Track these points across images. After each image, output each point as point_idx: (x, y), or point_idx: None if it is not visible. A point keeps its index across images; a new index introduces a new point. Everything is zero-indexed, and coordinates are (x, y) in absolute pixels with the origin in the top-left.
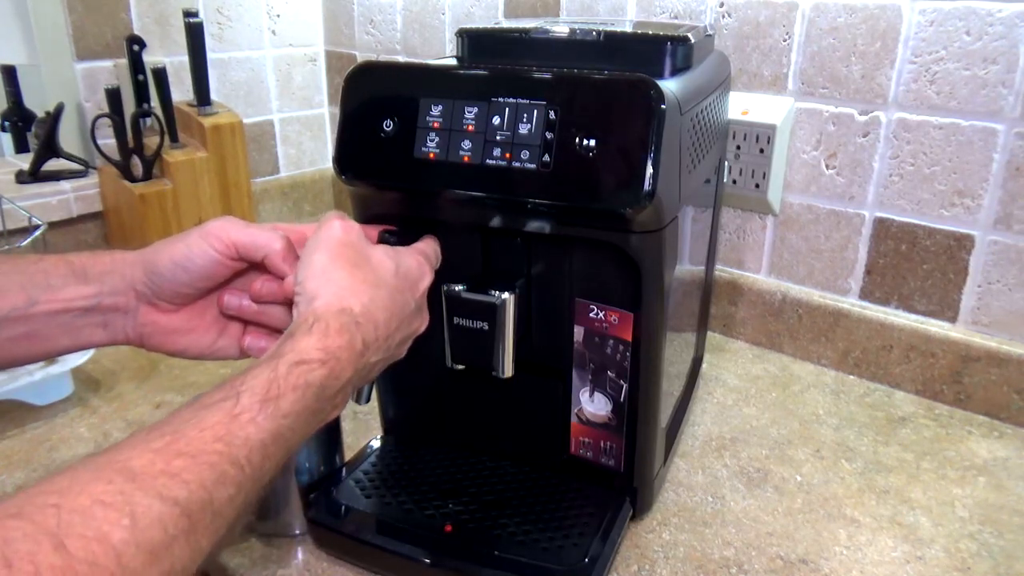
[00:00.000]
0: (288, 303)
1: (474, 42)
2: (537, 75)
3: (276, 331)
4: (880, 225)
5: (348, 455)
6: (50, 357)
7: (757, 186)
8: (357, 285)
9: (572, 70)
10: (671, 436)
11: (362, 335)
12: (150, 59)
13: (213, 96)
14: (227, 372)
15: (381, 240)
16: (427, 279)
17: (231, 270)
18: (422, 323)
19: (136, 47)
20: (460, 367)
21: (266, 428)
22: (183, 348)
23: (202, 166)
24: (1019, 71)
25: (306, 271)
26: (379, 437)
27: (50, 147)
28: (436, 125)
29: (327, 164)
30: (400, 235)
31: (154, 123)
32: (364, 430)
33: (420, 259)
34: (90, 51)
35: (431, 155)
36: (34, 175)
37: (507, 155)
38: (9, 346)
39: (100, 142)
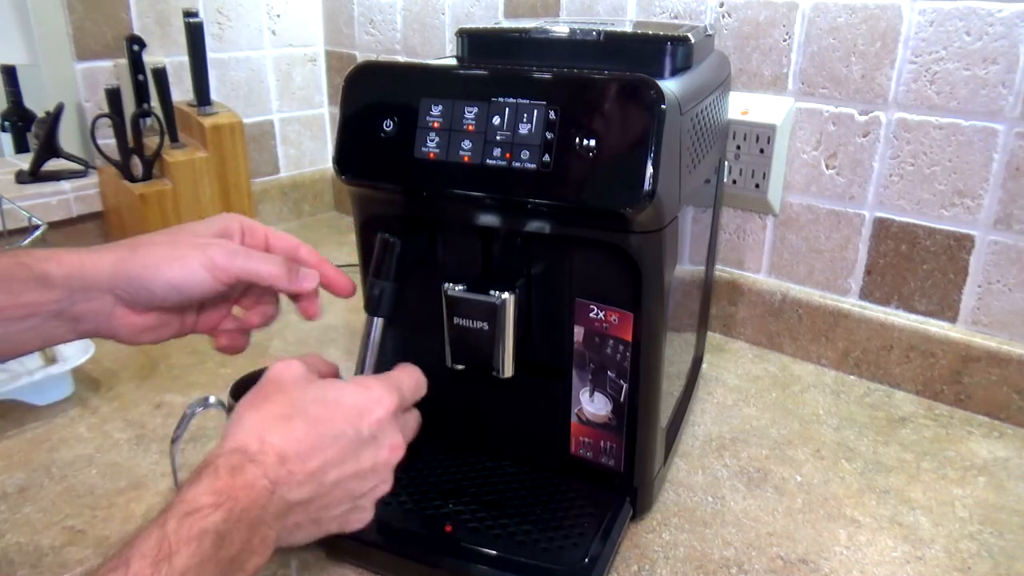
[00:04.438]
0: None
1: (474, 42)
2: (537, 75)
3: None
4: (880, 225)
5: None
6: (19, 356)
7: (757, 186)
8: (263, 420)
9: (572, 70)
10: (671, 436)
11: (265, 471)
12: (150, 59)
13: (213, 96)
14: (227, 372)
15: (381, 241)
16: (381, 407)
17: (224, 292)
18: (385, 454)
19: (136, 47)
20: (460, 367)
21: None
22: (151, 341)
23: (202, 166)
24: (1019, 71)
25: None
26: None
27: (50, 147)
28: (436, 125)
29: (327, 164)
30: (400, 235)
31: (154, 123)
32: None
33: (372, 385)
34: (90, 51)
35: (431, 155)
36: (34, 175)
37: (507, 155)
38: None
39: (100, 142)
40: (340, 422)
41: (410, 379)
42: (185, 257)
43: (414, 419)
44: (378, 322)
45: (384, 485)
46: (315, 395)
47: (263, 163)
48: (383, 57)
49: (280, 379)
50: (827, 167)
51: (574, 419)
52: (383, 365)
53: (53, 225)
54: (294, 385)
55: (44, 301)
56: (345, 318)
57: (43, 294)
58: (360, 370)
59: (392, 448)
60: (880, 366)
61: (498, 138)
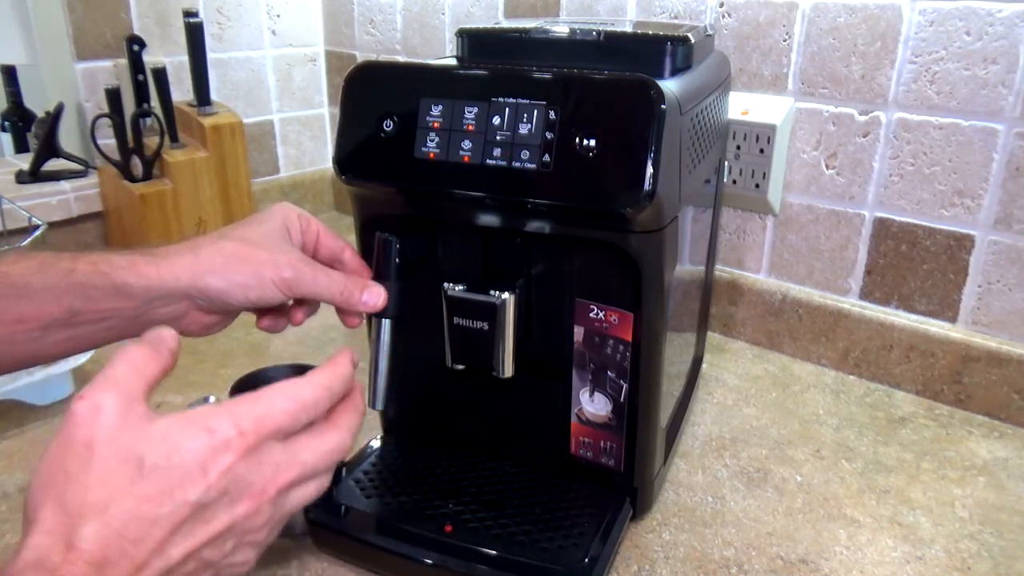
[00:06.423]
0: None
1: (474, 42)
2: (537, 75)
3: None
4: (880, 225)
5: (348, 455)
6: (95, 348)
7: (757, 186)
8: (69, 510)
9: (572, 70)
10: (671, 436)
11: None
12: (150, 59)
13: (213, 96)
14: (227, 372)
15: (381, 241)
16: (229, 452)
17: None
18: (243, 508)
19: (136, 47)
20: (460, 367)
21: None
22: (216, 332)
23: (202, 166)
24: (1019, 71)
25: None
26: (379, 437)
27: (50, 147)
28: (436, 125)
29: (327, 164)
30: (400, 235)
31: (154, 123)
32: (364, 430)
33: (215, 425)
34: (90, 51)
35: (431, 155)
36: (34, 175)
37: (507, 155)
38: (54, 349)
39: (100, 142)
40: (177, 487)
41: (287, 397)
42: (260, 273)
43: (323, 443)
44: (386, 323)
45: (256, 535)
46: (141, 451)
47: (263, 163)
48: (383, 57)
49: (90, 434)
50: (827, 167)
51: (574, 419)
52: (395, 367)
53: (53, 225)
54: (109, 441)
55: (122, 308)
56: None
57: (121, 302)
58: (374, 375)
59: (253, 497)
60: (880, 366)
61: (498, 138)
